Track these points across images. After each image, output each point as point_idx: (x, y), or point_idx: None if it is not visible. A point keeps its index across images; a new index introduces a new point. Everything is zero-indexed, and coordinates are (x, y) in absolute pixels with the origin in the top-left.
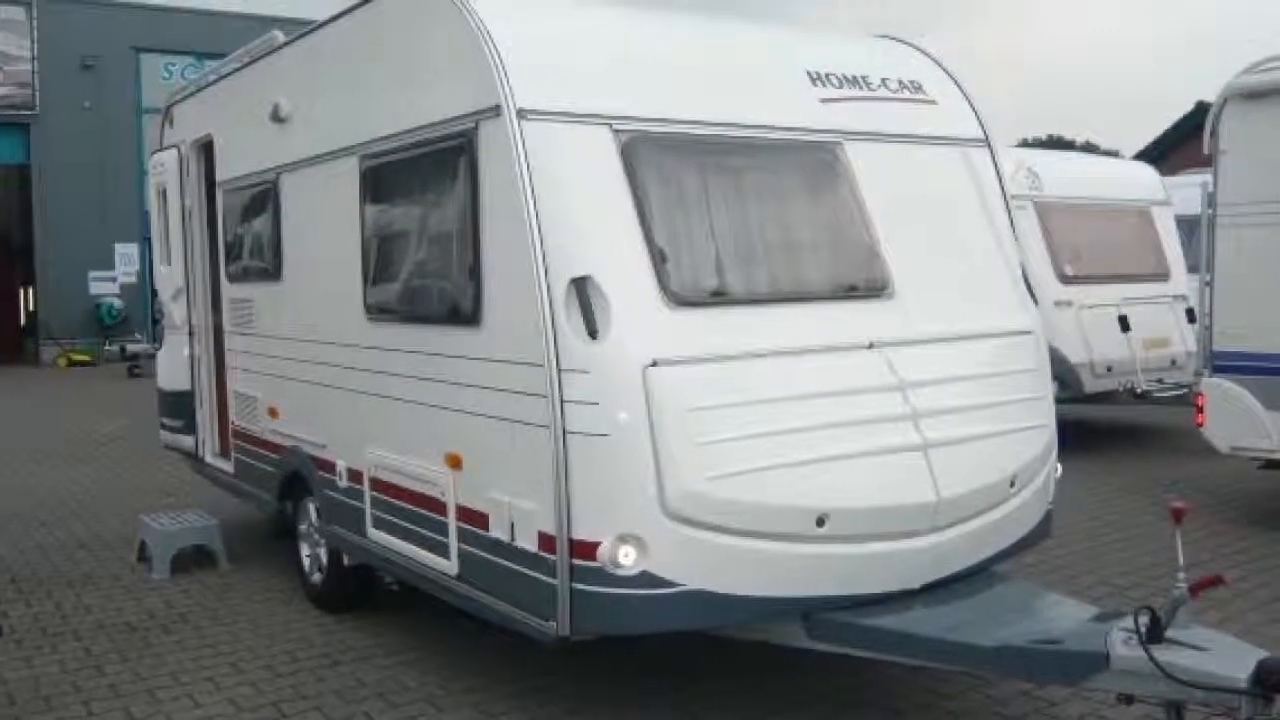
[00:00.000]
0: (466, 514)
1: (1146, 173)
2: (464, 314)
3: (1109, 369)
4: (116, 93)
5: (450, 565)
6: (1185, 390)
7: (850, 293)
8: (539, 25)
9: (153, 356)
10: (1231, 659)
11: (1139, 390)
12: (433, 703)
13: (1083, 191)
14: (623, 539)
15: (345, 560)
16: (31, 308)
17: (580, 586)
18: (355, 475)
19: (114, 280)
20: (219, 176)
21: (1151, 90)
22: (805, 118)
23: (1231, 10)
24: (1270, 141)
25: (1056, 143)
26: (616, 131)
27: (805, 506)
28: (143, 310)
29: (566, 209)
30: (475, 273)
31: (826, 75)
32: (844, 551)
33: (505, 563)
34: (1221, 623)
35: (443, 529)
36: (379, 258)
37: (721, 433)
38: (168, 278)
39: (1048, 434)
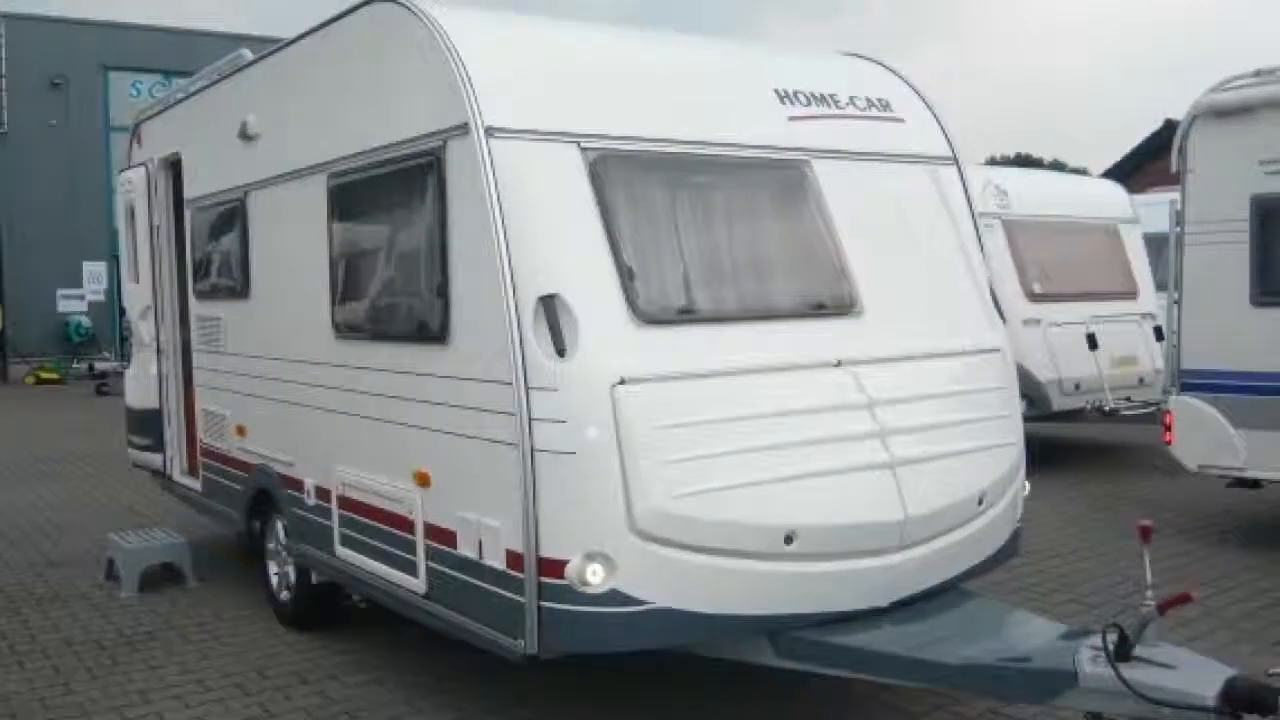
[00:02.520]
0: (434, 532)
1: (1115, 191)
2: (432, 332)
3: (1077, 387)
4: (84, 110)
5: (418, 583)
6: (1153, 408)
7: (818, 310)
8: (507, 44)
9: (121, 374)
10: (1200, 677)
11: (1107, 408)
12: None
13: (1051, 209)
14: (591, 557)
15: (313, 578)
16: None
17: (548, 605)
18: (323, 493)
19: (82, 298)
20: (187, 194)
21: (1120, 108)
22: (773, 136)
23: (1200, 29)
24: (1238, 160)
25: (1024, 160)
26: (584, 150)
27: (773, 524)
28: (111, 328)
29: (534, 227)
30: (443, 291)
31: (794, 93)
32: (812, 569)
33: (473, 581)
34: (1190, 640)
35: (411, 547)
36: (347, 276)
37: (689, 451)
38: (136, 296)
39: (1016, 452)
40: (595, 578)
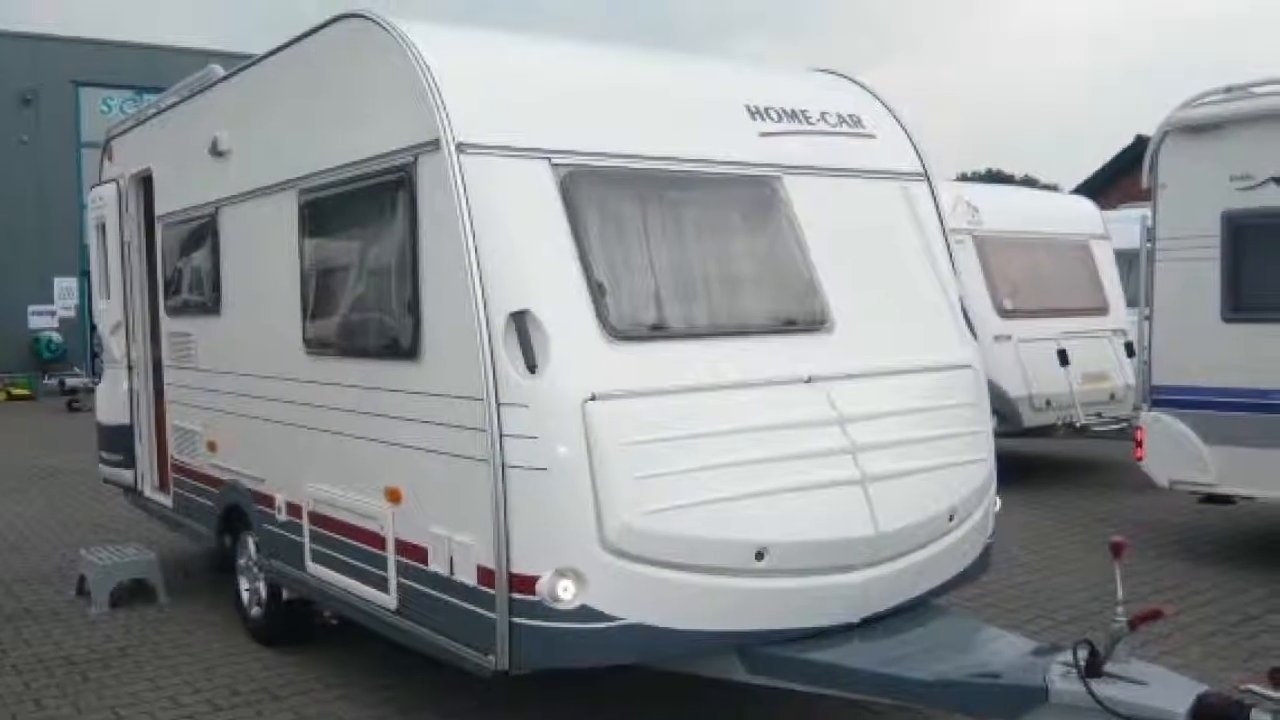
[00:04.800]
0: (405, 548)
1: (1086, 207)
2: (403, 348)
3: (1048, 403)
4: (55, 126)
5: (389, 599)
6: (1124, 424)
7: (789, 327)
8: (478, 59)
9: (92, 390)
10: (1171, 693)
11: (1078, 424)
12: None
13: (1022, 225)
14: (561, 573)
15: (284, 594)
16: None
17: (519, 620)
18: (294, 509)
19: (53, 314)
20: (158, 210)
21: (1091, 124)
22: (745, 152)
23: (1170, 46)
24: (1209, 175)
25: (995, 176)
26: (555, 165)
27: (744, 540)
28: (82, 344)
29: (505, 243)
30: (414, 307)
31: (766, 109)
32: (783, 585)
33: (444, 597)
34: (1160, 656)
35: (382, 563)
36: (318, 292)
37: (660, 467)
38: (107, 312)
39: (987, 468)
40: (566, 594)
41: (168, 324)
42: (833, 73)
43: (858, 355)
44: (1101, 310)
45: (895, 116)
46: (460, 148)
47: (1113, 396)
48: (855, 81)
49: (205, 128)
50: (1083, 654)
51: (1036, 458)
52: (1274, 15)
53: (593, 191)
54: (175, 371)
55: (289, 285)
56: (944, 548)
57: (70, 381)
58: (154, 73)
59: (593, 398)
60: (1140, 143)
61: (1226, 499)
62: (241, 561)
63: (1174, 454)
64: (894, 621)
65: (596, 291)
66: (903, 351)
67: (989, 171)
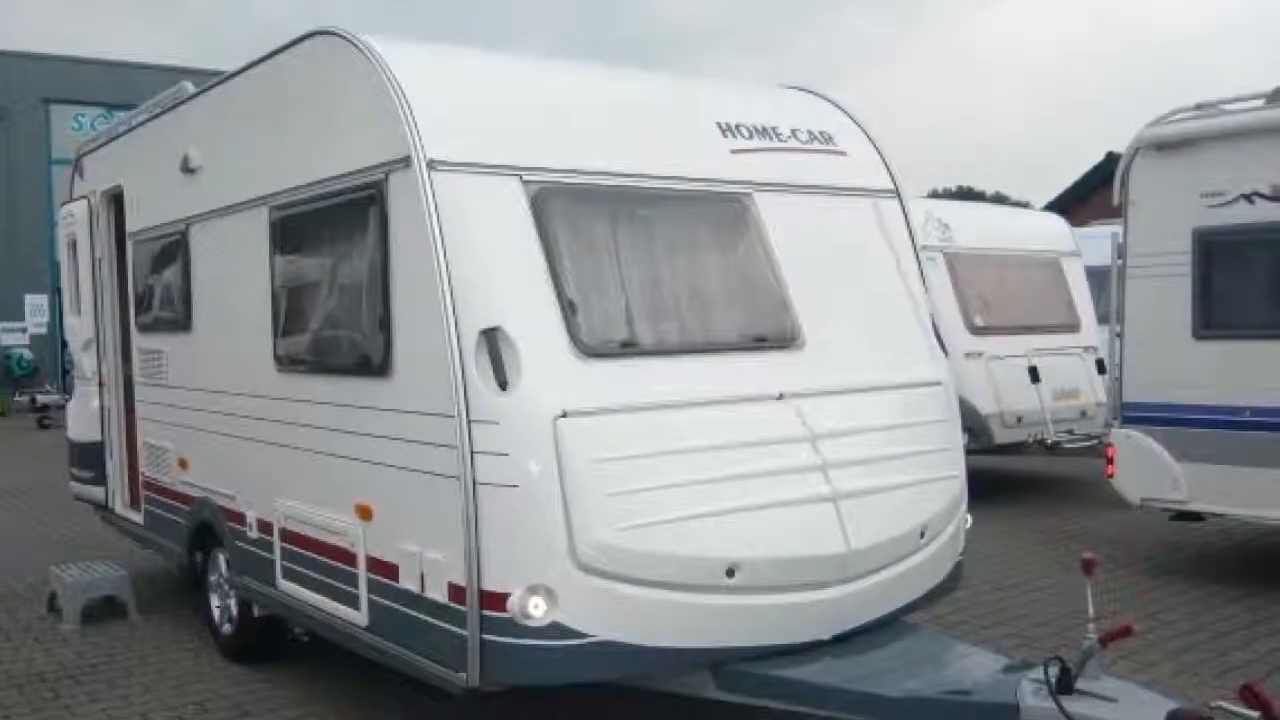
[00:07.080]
0: (377, 565)
1: (1057, 223)
2: (374, 365)
3: (1019, 420)
4: (26, 144)
5: (360, 616)
6: (1095, 441)
7: (760, 343)
8: (449, 77)
9: (63, 407)
10: (1142, 710)
11: (1049, 441)
12: None
13: (993, 242)
14: (533, 590)
15: (255, 611)
16: None
17: (490, 637)
18: (265, 526)
19: (24, 331)
20: (129, 227)
21: (1062, 141)
22: (715, 169)
23: (1141, 61)
24: (1180, 192)
25: (966, 193)
26: (526, 183)
27: (715, 557)
28: (53, 361)
29: (476, 260)
30: (385, 324)
31: (737, 126)
32: (754, 602)
33: (415, 614)
34: (1132, 673)
35: (353, 580)
36: (289, 309)
37: (632, 483)
38: (78, 329)
39: (958, 485)
40: (537, 610)
41: (139, 341)
42: (804, 89)
43: (829, 372)
44: (1073, 327)
45: (866, 133)
46: (431, 165)
47: (1084, 413)
48: (826, 98)
49: (176, 144)
50: (1054, 671)
51: (1008, 475)
52: (1242, 34)
53: (564, 208)
54: (146, 388)
55: (260, 302)
56: (915, 564)
57: (41, 398)
58: (125, 90)
59: (564, 414)
60: (1111, 160)
61: (1197, 516)
62: (213, 579)
63: (1145, 471)
64: (865, 638)
65: (568, 308)
66: (874, 368)
67: (960, 188)
